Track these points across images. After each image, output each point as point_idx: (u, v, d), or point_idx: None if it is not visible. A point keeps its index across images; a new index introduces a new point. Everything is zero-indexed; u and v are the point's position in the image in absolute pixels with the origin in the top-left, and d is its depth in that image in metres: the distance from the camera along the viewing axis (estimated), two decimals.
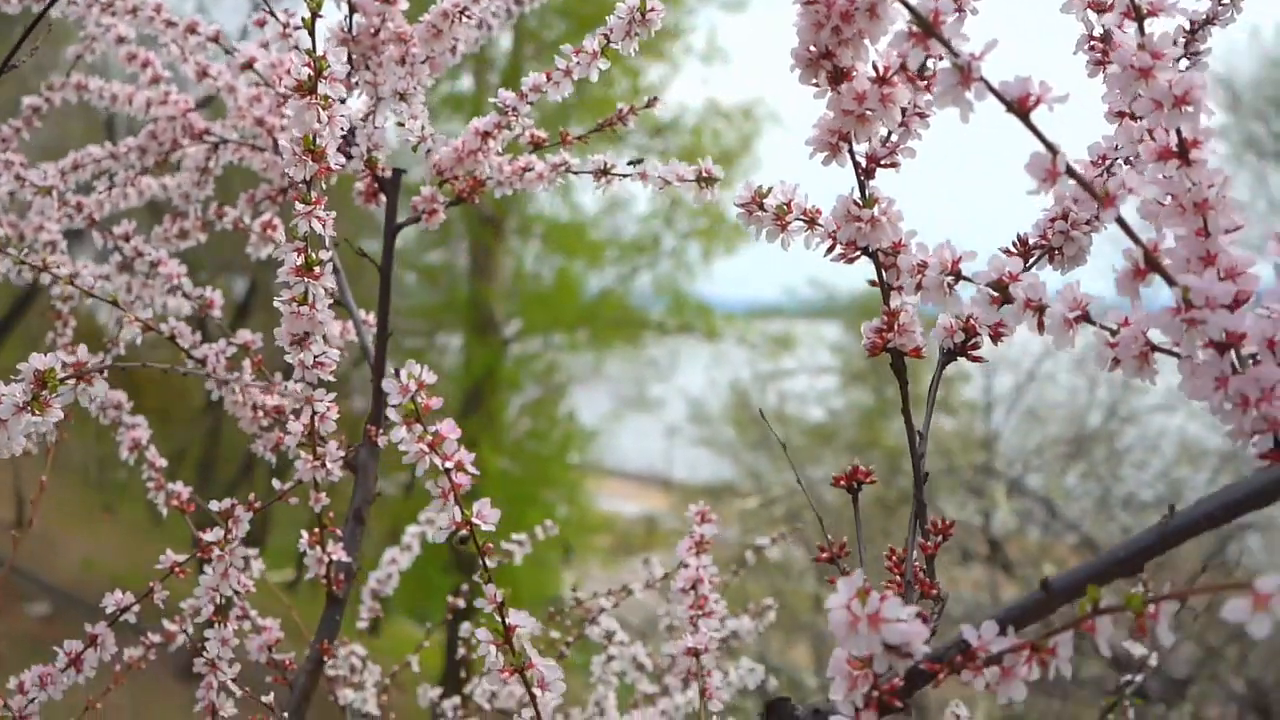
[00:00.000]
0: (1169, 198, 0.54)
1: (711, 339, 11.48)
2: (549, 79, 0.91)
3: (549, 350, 12.17)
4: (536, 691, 0.64)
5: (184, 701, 1.13)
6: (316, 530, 0.96)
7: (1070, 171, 0.50)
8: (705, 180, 0.81)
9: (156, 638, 1.13)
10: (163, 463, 1.10)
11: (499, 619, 0.64)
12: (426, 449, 0.61)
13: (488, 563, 0.64)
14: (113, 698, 1.11)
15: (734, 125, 10.64)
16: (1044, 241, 0.68)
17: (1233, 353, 0.52)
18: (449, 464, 0.62)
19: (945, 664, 0.53)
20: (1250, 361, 0.51)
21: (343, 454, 0.90)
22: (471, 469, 0.62)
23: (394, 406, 0.61)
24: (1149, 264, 0.51)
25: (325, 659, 0.98)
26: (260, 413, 1.01)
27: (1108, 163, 0.69)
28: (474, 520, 0.62)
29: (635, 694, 1.31)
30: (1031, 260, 0.68)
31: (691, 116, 11.18)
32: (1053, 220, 0.68)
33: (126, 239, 1.11)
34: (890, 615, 0.50)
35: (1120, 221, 0.51)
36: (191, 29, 1.09)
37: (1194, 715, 5.55)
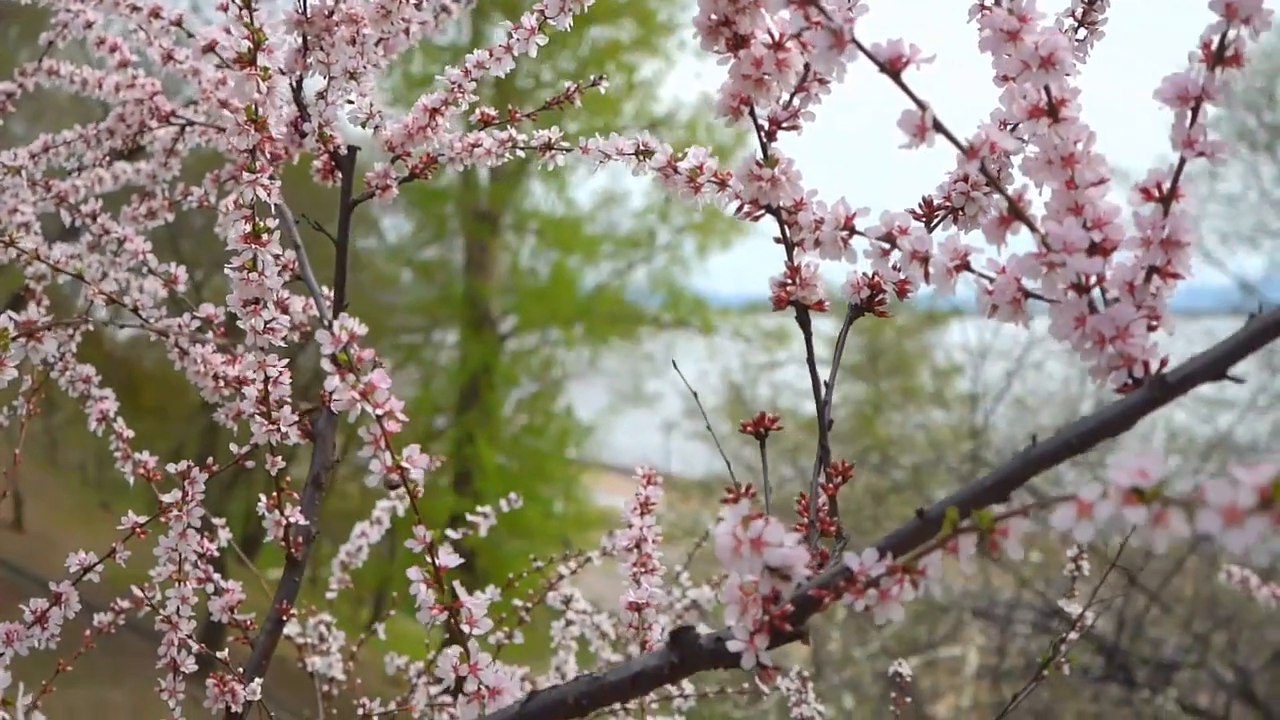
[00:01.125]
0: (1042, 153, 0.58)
1: (707, 333, 11.52)
2: (491, 55, 0.95)
3: (545, 345, 12.21)
4: (465, 628, 0.68)
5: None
6: (275, 495, 0.99)
7: (937, 126, 0.54)
8: (643, 153, 0.85)
9: (125, 603, 1.16)
10: (130, 433, 1.13)
11: (429, 560, 0.68)
12: (358, 397, 0.65)
13: (417, 506, 0.67)
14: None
15: (719, 130, 10.67)
16: (947, 202, 0.71)
17: (1098, 295, 0.56)
18: (380, 411, 0.65)
19: (831, 590, 0.56)
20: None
21: (296, 418, 0.93)
22: (401, 416, 0.66)
23: (326, 356, 0.64)
24: (1014, 213, 0.55)
25: (284, 619, 1.01)
26: (221, 383, 1.05)
27: (1009, 127, 0.72)
28: (404, 465, 0.66)
29: (596, 660, 1.35)
30: (937, 220, 0.72)
31: (686, 111, 11.19)
32: (955, 182, 0.71)
33: (94, 217, 1.14)
34: (772, 539, 0.54)
35: (985, 173, 0.55)
36: (155, 13, 1.12)
37: (1180, 700, 5.60)
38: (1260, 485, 0.37)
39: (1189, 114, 0.55)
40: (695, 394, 0.99)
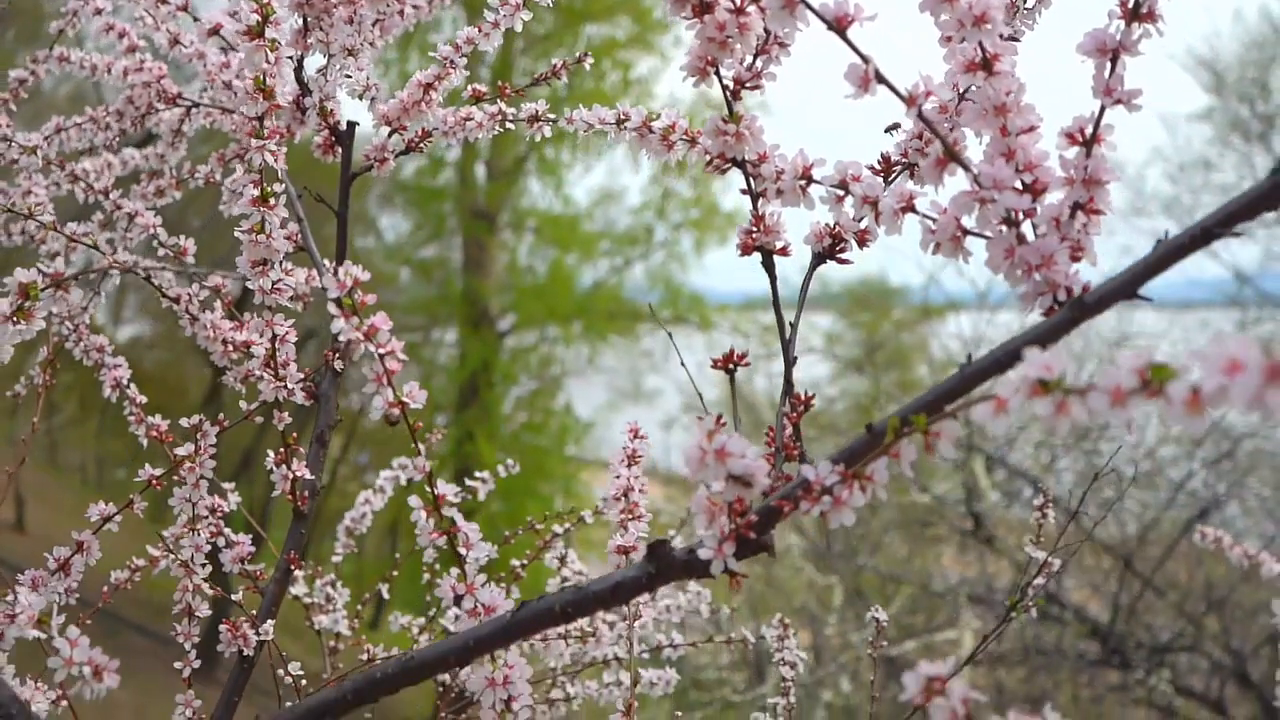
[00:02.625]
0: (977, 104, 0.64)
1: (705, 329, 11.56)
2: (480, 30, 1.01)
3: (544, 343, 12.27)
4: (462, 550, 0.74)
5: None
6: (282, 450, 1.06)
7: (879, 78, 0.60)
8: (621, 122, 0.90)
9: (141, 561, 1.22)
10: (143, 399, 1.19)
11: (429, 489, 0.74)
12: (362, 337, 0.71)
13: (416, 439, 0.73)
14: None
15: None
16: (904, 158, 0.77)
17: (1029, 229, 0.62)
18: (382, 350, 0.71)
19: (791, 500, 0.62)
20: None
21: (302, 375, 0.99)
22: (402, 356, 0.72)
23: (333, 300, 0.70)
24: (948, 154, 0.61)
25: (292, 568, 1.07)
26: (230, 347, 1.10)
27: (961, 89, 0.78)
28: (404, 399, 0.72)
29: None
30: (894, 175, 0.78)
31: (682, 108, 11.23)
32: (911, 139, 0.77)
33: (106, 194, 1.20)
34: (734, 450, 0.60)
35: (923, 119, 0.61)
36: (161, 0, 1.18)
37: (1173, 682, 5.66)
38: (1139, 369, 0.43)
39: (1108, 65, 0.61)
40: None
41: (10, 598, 0.75)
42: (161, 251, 1.17)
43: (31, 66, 1.41)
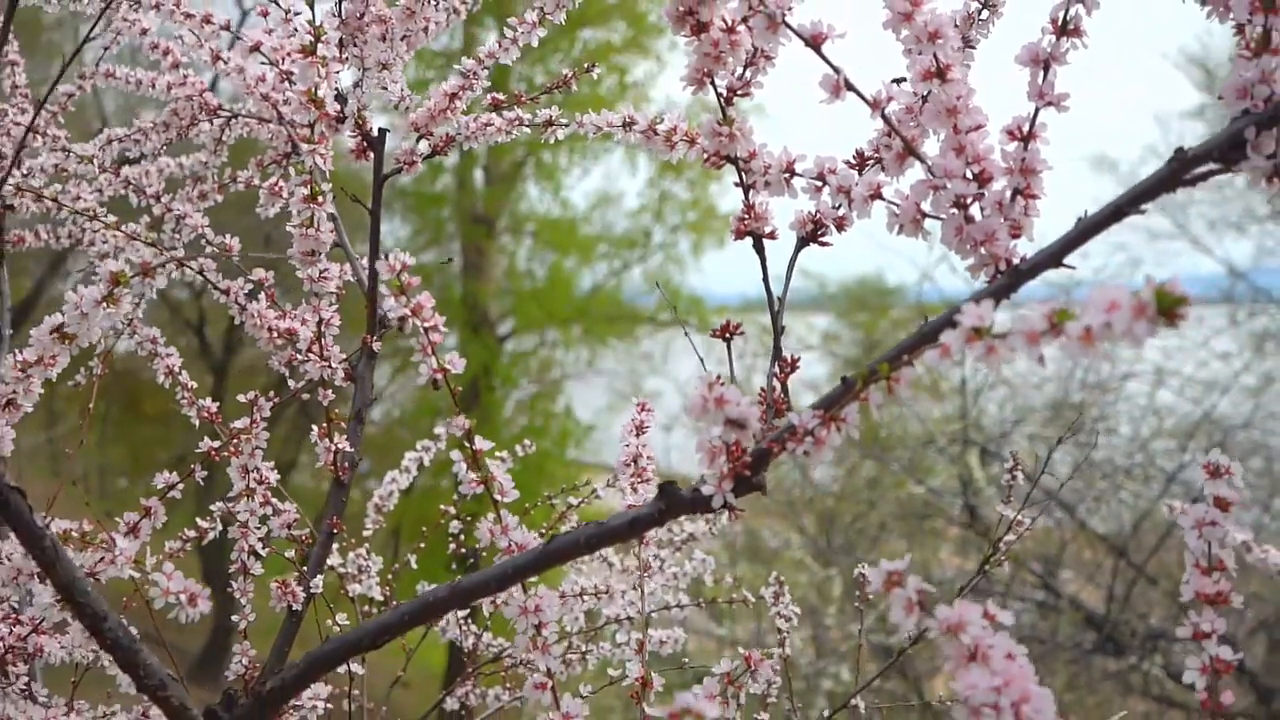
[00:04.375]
0: (932, 106, 0.75)
1: (704, 332, 11.68)
2: (501, 45, 1.13)
3: (543, 347, 12.38)
4: (497, 497, 0.85)
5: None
6: (325, 424, 1.17)
7: (849, 85, 0.71)
8: (627, 125, 1.02)
9: (191, 533, 1.34)
10: (194, 385, 1.31)
11: (468, 444, 0.85)
12: (410, 313, 0.82)
13: (456, 400, 0.85)
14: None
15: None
16: (875, 154, 0.89)
17: (977, 211, 0.74)
18: (427, 324, 0.83)
19: (779, 443, 0.74)
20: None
21: (345, 356, 1.11)
22: (442, 329, 0.84)
23: (384, 282, 0.82)
24: (907, 150, 0.72)
25: (334, 531, 1.19)
26: (274, 334, 1.22)
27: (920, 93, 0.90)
28: (446, 366, 0.84)
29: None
30: (867, 168, 0.90)
31: (680, 110, 11.34)
32: (880, 138, 0.89)
33: (157, 198, 1.32)
34: (731, 399, 0.71)
35: (885, 119, 0.72)
36: (207, 20, 1.30)
37: (1165, 668, 5.77)
38: (1049, 314, 0.55)
39: (1041, 72, 0.73)
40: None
41: (109, 543, 0.86)
42: (209, 249, 1.28)
43: (79, 81, 1.53)
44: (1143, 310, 0.49)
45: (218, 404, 1.25)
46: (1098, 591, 6.83)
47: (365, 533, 1.58)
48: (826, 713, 1.54)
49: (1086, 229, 0.68)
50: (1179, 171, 0.66)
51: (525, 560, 0.79)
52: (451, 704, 1.59)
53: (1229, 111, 0.65)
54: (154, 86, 1.43)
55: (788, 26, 0.71)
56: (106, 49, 1.53)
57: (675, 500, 0.78)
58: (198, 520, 1.35)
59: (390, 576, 1.56)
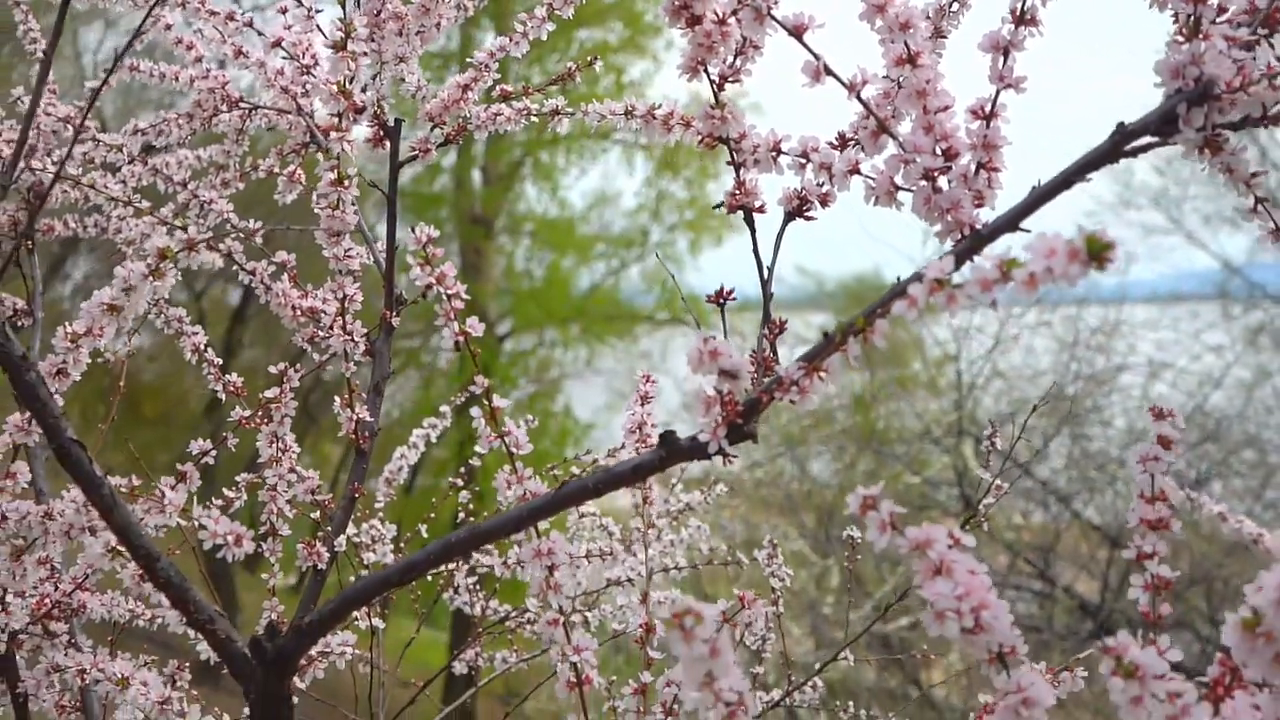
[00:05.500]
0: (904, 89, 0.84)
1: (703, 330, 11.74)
2: (511, 40, 1.21)
3: (542, 346, 12.45)
4: (514, 450, 0.93)
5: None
6: (347, 395, 1.25)
7: (828, 71, 0.80)
8: (628, 114, 1.10)
9: (219, 501, 1.41)
10: (219, 360, 1.39)
11: (487, 402, 0.93)
12: (434, 281, 0.91)
13: (477, 362, 0.93)
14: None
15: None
16: (855, 135, 0.97)
17: (945, 182, 0.82)
18: (450, 292, 0.91)
19: (768, 393, 0.82)
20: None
21: (366, 331, 1.19)
22: (464, 295, 0.92)
23: (411, 253, 0.90)
24: (880, 128, 0.81)
25: (356, 495, 1.27)
26: (297, 312, 1.30)
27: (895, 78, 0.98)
28: (467, 330, 0.92)
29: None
30: (848, 147, 0.98)
31: (684, 98, 11.42)
32: (859, 119, 0.97)
33: (184, 185, 1.40)
34: (724, 351, 0.79)
35: (861, 100, 0.81)
36: (230, 17, 1.38)
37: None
38: (1000, 263, 0.63)
39: (1001, 58, 0.81)
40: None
41: (158, 493, 0.94)
42: (233, 234, 1.36)
43: (104, 75, 1.61)
44: (1076, 255, 0.58)
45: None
46: (1093, 581, 6.93)
47: (377, 505, 1.66)
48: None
49: (1039, 197, 0.76)
50: (1120, 144, 0.74)
51: (539, 503, 0.87)
52: (460, 668, 1.67)
53: (1164, 90, 0.73)
54: (177, 79, 1.51)
55: (773, 18, 0.79)
56: (130, 44, 1.61)
57: (675, 447, 0.86)
58: (224, 490, 1.43)
59: (402, 545, 1.64)
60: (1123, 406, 7.96)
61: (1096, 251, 0.57)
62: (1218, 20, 0.75)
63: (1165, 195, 9.34)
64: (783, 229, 0.98)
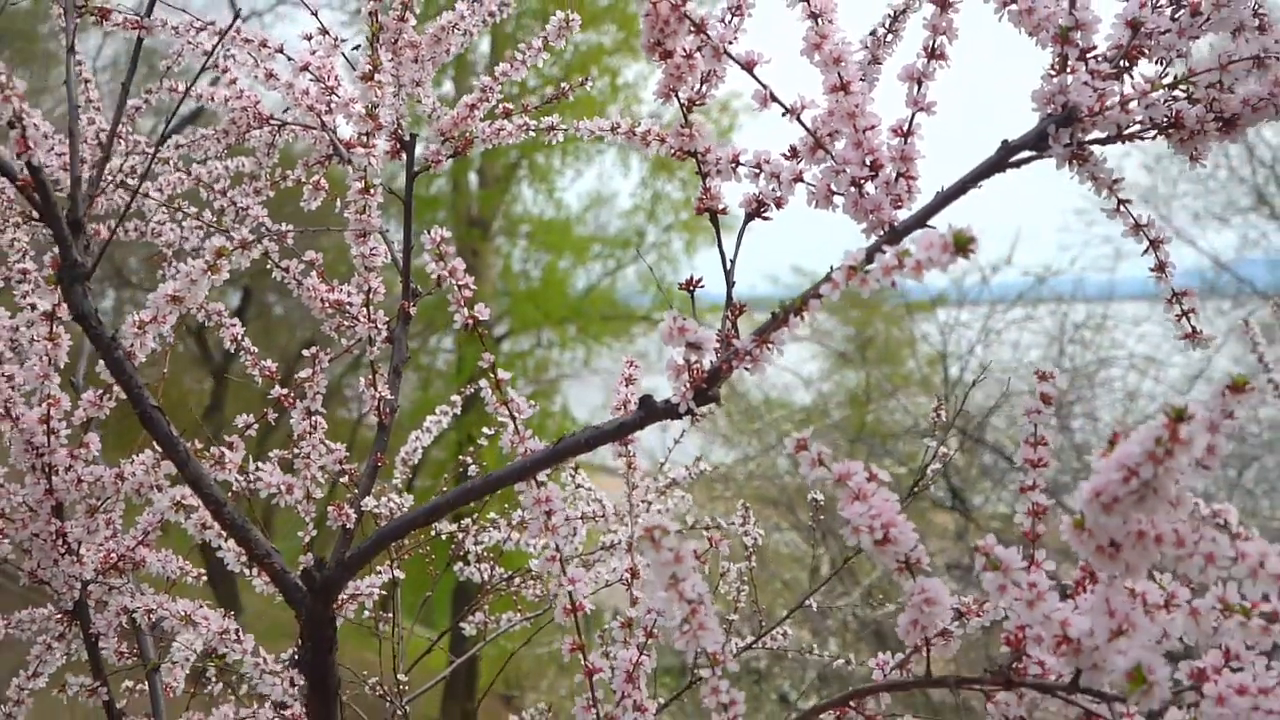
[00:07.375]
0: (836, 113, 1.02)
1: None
2: (512, 65, 1.39)
3: (539, 347, 12.62)
4: (516, 414, 1.11)
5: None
6: (370, 375, 1.43)
7: (773, 97, 0.98)
8: (615, 129, 1.28)
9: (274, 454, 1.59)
10: (255, 350, 1.57)
11: (493, 374, 1.11)
12: (447, 274, 1.09)
13: (485, 342, 1.11)
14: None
15: (712, 119, 11.13)
16: (798, 149, 1.15)
17: (871, 188, 1.00)
18: (461, 282, 1.09)
19: (727, 362, 1.00)
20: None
21: (388, 319, 1.37)
22: (472, 286, 1.10)
23: (427, 250, 1.08)
24: (817, 144, 0.99)
25: (379, 465, 1.45)
26: (324, 303, 1.48)
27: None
28: (475, 315, 1.10)
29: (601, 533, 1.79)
30: (798, 159, 1.16)
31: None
32: (805, 137, 1.15)
33: (223, 192, 1.58)
34: (690, 328, 0.97)
35: (800, 122, 0.99)
36: (263, 43, 1.56)
37: None
38: (897, 253, 0.81)
39: (915, 85, 0.99)
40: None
41: (219, 454, 1.12)
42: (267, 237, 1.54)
43: (146, 95, 1.79)
44: (947, 247, 0.76)
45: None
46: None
47: (394, 481, 1.84)
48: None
49: (942, 200, 0.94)
50: (1005, 156, 0.92)
51: (540, 455, 1.05)
52: (468, 630, 1.84)
53: (1039, 113, 0.91)
54: (213, 99, 1.69)
55: (728, 55, 0.97)
56: (169, 67, 1.79)
57: (651, 408, 1.04)
58: (256, 463, 1.61)
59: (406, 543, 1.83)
60: (1109, 402, 8.15)
61: (962, 244, 0.76)
62: (1089, 55, 0.94)
63: (1154, 193, 9.53)
64: (744, 226, 1.16)
